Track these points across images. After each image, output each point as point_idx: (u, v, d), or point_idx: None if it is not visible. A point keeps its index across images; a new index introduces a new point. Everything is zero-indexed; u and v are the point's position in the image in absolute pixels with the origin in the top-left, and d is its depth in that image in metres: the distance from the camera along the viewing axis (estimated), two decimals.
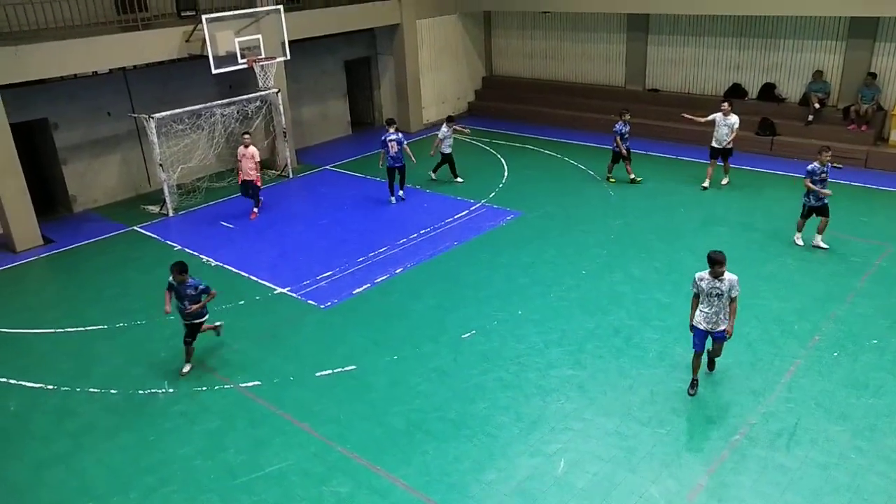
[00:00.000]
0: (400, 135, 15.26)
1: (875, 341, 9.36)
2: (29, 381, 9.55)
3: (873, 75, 16.66)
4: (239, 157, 14.82)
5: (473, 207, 15.06)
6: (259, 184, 15.09)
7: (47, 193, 16.16)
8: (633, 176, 15.98)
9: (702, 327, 8.30)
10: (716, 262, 8.05)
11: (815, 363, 8.97)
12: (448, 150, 16.33)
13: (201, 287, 9.16)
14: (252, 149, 14.66)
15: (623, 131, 15.61)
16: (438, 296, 11.27)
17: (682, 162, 17.41)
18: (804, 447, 7.50)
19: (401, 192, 15.77)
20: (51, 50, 13.65)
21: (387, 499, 7.13)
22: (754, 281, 11.16)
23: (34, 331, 10.93)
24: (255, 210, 15.25)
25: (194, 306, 9.16)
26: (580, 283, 11.43)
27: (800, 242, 12.46)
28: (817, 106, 17.26)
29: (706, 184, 15.36)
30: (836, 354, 9.12)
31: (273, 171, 18.25)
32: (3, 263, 13.51)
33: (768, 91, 18.52)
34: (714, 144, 15.24)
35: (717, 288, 8.13)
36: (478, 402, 8.57)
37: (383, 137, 15.03)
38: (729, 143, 14.99)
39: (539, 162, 18.02)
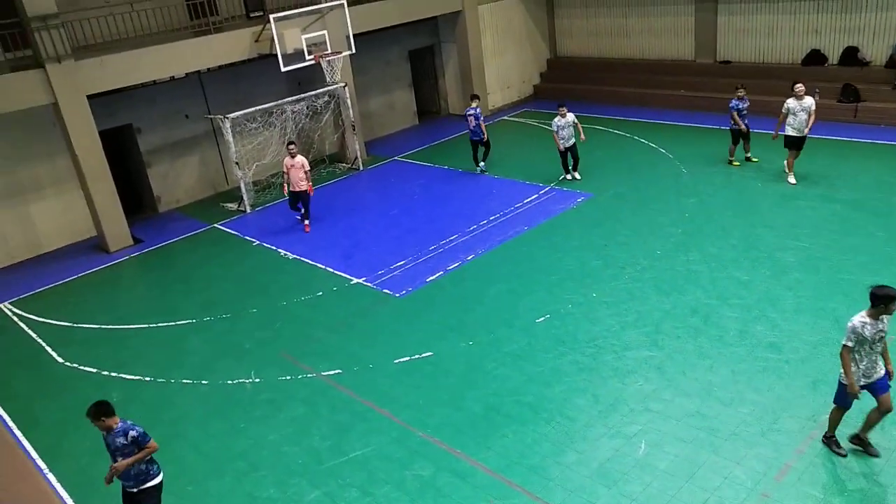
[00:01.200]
0: (478, 110, 16.07)
1: None
2: (128, 374, 10.15)
3: None
4: (286, 169, 14.01)
5: (543, 191, 15.00)
6: (311, 193, 14.31)
7: (134, 195, 17.01)
8: (748, 155, 15.07)
9: (861, 383, 6.65)
10: (890, 299, 6.27)
11: None
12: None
13: (134, 433, 6.24)
14: (300, 158, 13.99)
15: (740, 107, 14.50)
16: (511, 281, 11.32)
17: (756, 135, 16.77)
18: None
19: (482, 164, 16.60)
20: (131, 58, 14.34)
21: (468, 481, 7.27)
22: (839, 254, 10.73)
23: (130, 326, 11.58)
24: (307, 222, 14.52)
25: (125, 462, 6.26)
26: (654, 263, 11.25)
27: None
28: None
29: (792, 179, 13.60)
30: None
31: (343, 164, 18.63)
32: (99, 263, 14.33)
33: (851, 55, 17.62)
34: (791, 133, 13.38)
35: (881, 331, 6.45)
36: (554, 386, 8.59)
37: (465, 112, 16.27)
38: (808, 129, 13.20)
39: (608, 142, 17.75)
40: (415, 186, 16.42)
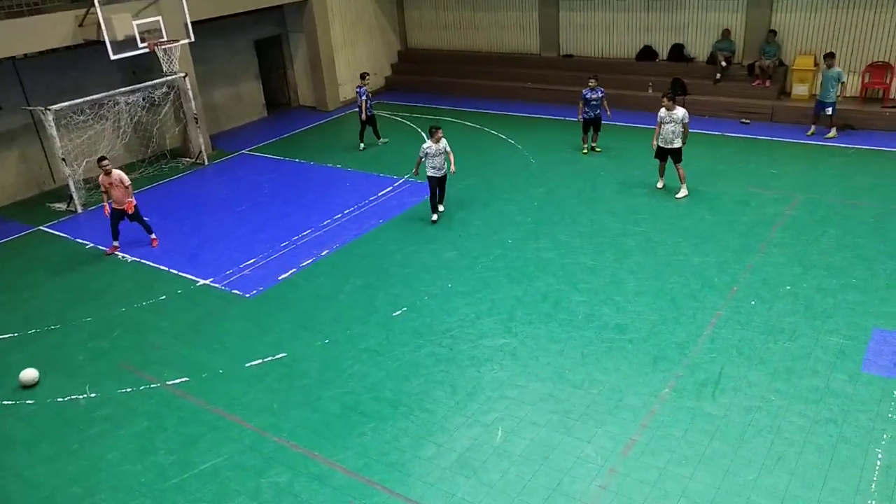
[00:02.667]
0: (362, 88, 16.65)
1: (788, 287, 9.80)
2: None
3: (774, 32, 17.26)
4: (104, 188, 12.10)
5: (397, 183, 14.91)
6: (134, 209, 12.34)
7: None
8: (594, 144, 15.77)
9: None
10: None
11: (735, 313, 9.32)
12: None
13: None
14: (117, 173, 12.02)
15: (588, 96, 14.94)
16: (366, 275, 11.14)
17: (603, 125, 17.64)
18: (728, 394, 7.80)
19: (361, 145, 17.34)
20: None
21: (326, 484, 7.04)
22: (674, 238, 11.49)
23: None
24: (154, 237, 12.89)
25: None
26: (506, 252, 11.50)
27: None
28: (724, 64, 17.80)
29: (661, 184, 13.50)
30: (753, 303, 9.50)
31: (187, 159, 17.58)
32: None
33: (678, 51, 18.97)
34: (659, 143, 13.06)
35: None
36: (412, 379, 8.53)
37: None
38: (674, 141, 12.80)
39: (459, 134, 17.95)
40: (265, 181, 15.79)
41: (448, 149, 12.40)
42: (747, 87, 17.63)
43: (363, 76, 17.15)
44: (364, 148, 17.28)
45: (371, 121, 17.10)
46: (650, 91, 18.67)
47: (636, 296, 9.92)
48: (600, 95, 15.09)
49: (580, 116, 15.36)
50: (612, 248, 11.35)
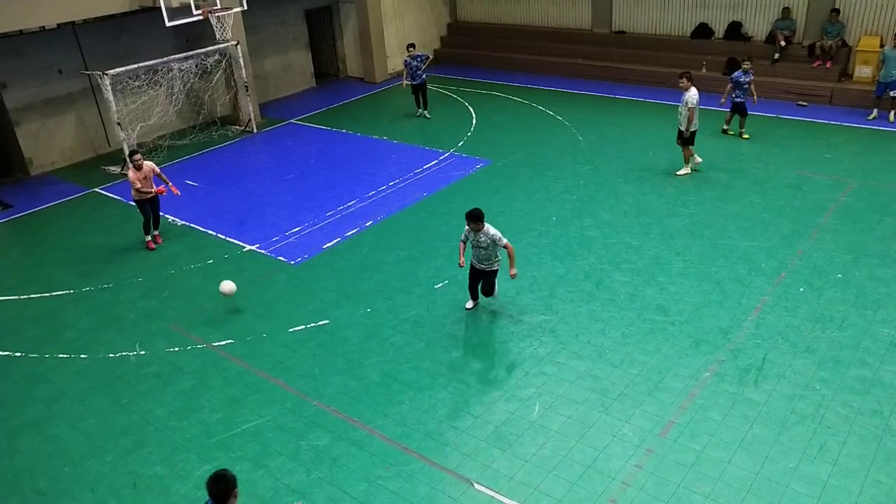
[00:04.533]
0: (407, 58, 16.89)
1: (839, 275, 9.55)
2: None
3: (837, 11, 16.62)
4: (138, 184, 11.33)
5: (442, 157, 14.91)
6: (177, 192, 12.05)
7: (1, 157, 15.63)
8: (742, 130, 14.70)
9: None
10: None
11: (782, 299, 9.13)
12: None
13: None
14: (149, 164, 11.54)
15: (741, 80, 14.05)
16: (409, 247, 11.21)
17: (649, 104, 17.34)
18: (771, 381, 7.68)
19: (424, 111, 17.49)
20: None
21: (364, 449, 7.19)
22: (722, 221, 11.28)
23: None
24: (157, 233, 12.04)
25: None
26: (550, 229, 11.44)
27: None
28: (783, 43, 17.23)
29: (685, 170, 13.12)
30: (802, 290, 9.30)
31: (236, 127, 17.84)
32: None
33: (735, 30, 18.42)
34: (679, 126, 12.89)
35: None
36: (452, 351, 8.61)
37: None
38: (689, 123, 12.56)
39: (507, 109, 17.83)
40: (312, 150, 15.95)
41: (499, 239, 8.57)
42: (807, 68, 17.05)
43: (408, 47, 17.15)
44: (420, 114, 17.52)
45: (416, 89, 17.20)
46: (704, 70, 18.22)
47: (680, 278, 9.79)
48: (751, 79, 14.14)
49: (724, 99, 14.57)
50: (658, 228, 11.20)
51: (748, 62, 14.25)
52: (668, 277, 9.82)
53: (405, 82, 17.09)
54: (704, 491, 6.35)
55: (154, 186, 11.67)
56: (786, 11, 17.37)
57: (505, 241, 8.58)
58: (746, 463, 6.64)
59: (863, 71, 16.49)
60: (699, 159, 13.28)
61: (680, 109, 12.74)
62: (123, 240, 12.26)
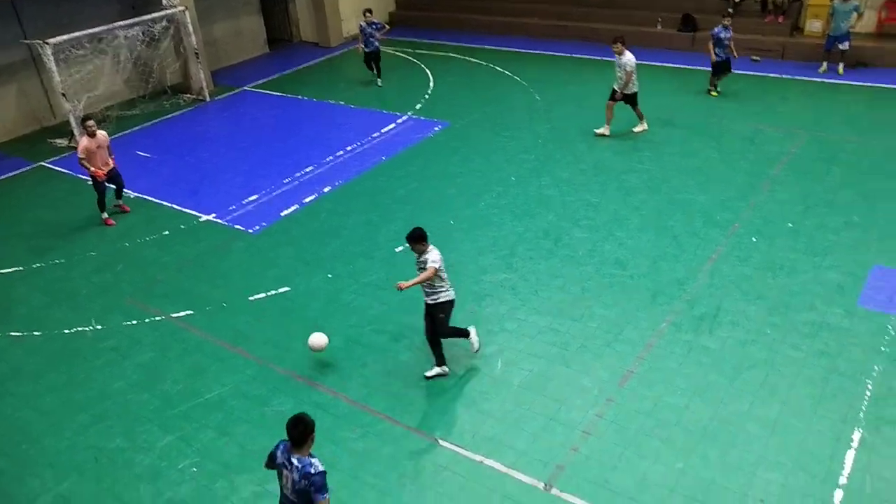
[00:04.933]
0: (363, 23, 16.45)
1: (790, 225, 9.78)
2: None
3: None
4: (85, 154, 10.87)
5: (400, 120, 14.76)
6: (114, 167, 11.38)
7: None
8: (714, 87, 14.50)
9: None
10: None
11: (735, 249, 9.33)
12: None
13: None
14: (102, 134, 11.21)
15: (721, 36, 13.86)
16: (369, 212, 11.14)
17: (606, 63, 17.31)
18: (725, 328, 7.88)
19: (377, 79, 17.01)
20: None
21: (329, 412, 7.21)
22: (680, 176, 11.42)
23: None
24: (122, 202, 11.77)
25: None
26: (509, 189, 11.46)
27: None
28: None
29: (604, 130, 13.04)
30: (754, 240, 9.50)
31: (188, 96, 17.39)
32: None
33: None
34: (614, 86, 12.81)
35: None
36: (413, 313, 8.59)
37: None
38: (625, 86, 12.45)
39: (463, 70, 17.69)
40: (267, 117, 15.65)
41: (427, 260, 7.28)
42: (760, 22, 17.21)
43: (364, 13, 16.69)
44: (381, 84, 16.98)
45: (369, 57, 16.79)
46: (659, 28, 18.26)
47: (638, 232, 9.92)
48: (730, 35, 13.91)
49: (713, 57, 14.28)
50: (616, 185, 11.30)
51: (728, 17, 13.96)
52: (626, 232, 9.94)
53: (360, 47, 16.74)
54: (662, 436, 6.53)
55: (110, 160, 11.27)
56: None
57: (431, 264, 7.09)
58: (702, 408, 6.83)
59: (814, 25, 16.71)
60: (645, 126, 13.25)
61: (618, 73, 12.57)
62: (74, 214, 11.94)
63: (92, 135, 10.96)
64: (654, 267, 9.13)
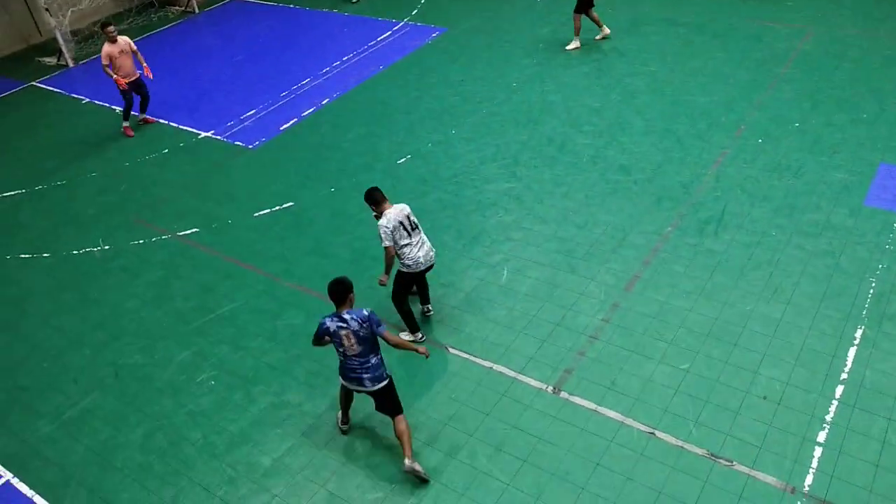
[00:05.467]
0: None
1: (797, 124, 9.65)
2: None
3: None
4: (108, 60, 10.76)
5: (396, 27, 14.32)
6: (151, 76, 11.51)
7: None
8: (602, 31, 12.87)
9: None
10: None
11: (741, 151, 9.25)
12: None
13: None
14: (124, 39, 11.03)
15: None
16: (369, 123, 10.99)
17: None
18: (730, 231, 7.91)
19: None
20: None
21: None
22: (683, 77, 11.18)
23: None
24: (146, 115, 11.79)
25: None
26: (511, 96, 11.25)
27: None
28: None
29: (575, 44, 12.44)
30: (760, 141, 9.40)
31: (176, 8, 16.81)
32: None
33: None
34: None
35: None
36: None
37: None
38: None
39: None
40: (259, 29, 15.18)
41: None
42: None
43: None
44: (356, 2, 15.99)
45: None
46: None
47: (642, 136, 9.81)
48: None
49: None
50: (619, 88, 11.08)
51: None
52: (630, 137, 9.83)
53: None
54: (668, 337, 6.68)
55: (136, 68, 11.13)
56: None
57: (383, 241, 6.54)
58: (707, 309, 6.95)
59: None
60: (607, 30, 12.68)
61: None
62: (71, 134, 11.80)
63: (113, 40, 10.82)
64: (659, 171, 9.08)
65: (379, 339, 5.61)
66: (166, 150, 10.96)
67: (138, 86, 11.28)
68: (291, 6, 16.17)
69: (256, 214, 9.24)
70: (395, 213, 6.58)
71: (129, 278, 8.41)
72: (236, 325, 7.54)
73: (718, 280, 7.28)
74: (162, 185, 10.11)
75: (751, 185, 8.58)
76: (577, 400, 6.20)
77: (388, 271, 6.70)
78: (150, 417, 6.58)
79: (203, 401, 6.69)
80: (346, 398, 6.02)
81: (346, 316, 5.49)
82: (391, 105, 11.42)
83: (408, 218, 6.61)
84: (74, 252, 8.97)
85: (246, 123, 11.45)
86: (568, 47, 12.53)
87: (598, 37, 12.69)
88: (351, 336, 5.48)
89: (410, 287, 6.93)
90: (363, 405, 6.17)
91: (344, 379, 5.78)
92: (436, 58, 12.81)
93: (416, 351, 5.76)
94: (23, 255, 9.02)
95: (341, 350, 5.60)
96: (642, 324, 6.88)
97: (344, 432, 6.20)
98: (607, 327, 6.90)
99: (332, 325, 5.54)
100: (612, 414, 6.03)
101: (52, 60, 14.60)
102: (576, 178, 9.14)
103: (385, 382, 5.72)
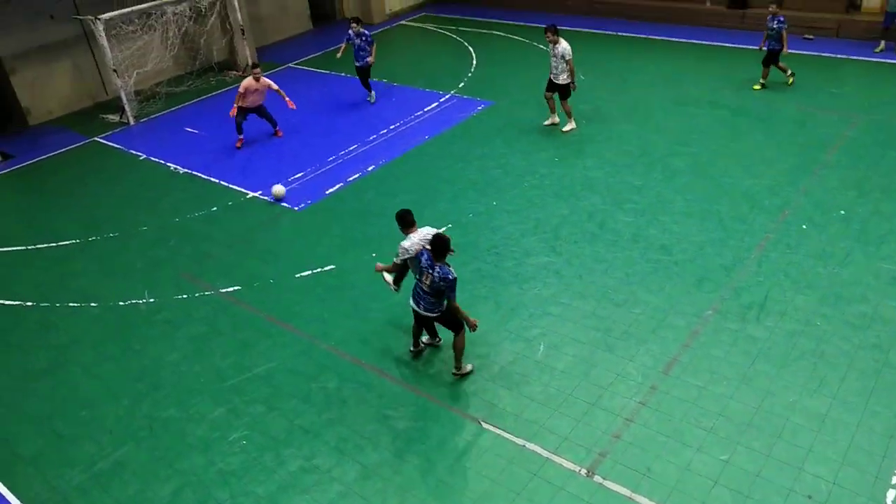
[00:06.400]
0: (350, 32, 14.31)
1: (842, 212, 9.56)
2: (5, 299, 9.50)
3: None
4: (243, 90, 12.68)
5: (443, 99, 14.74)
6: (292, 106, 13.35)
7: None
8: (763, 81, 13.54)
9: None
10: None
11: (785, 236, 9.17)
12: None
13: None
14: (266, 80, 12.91)
15: (768, 25, 12.97)
16: (413, 191, 11.21)
17: (650, 41, 17.04)
18: (773, 318, 7.79)
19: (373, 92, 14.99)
20: None
21: (374, 391, 7.35)
22: (725, 159, 11.22)
23: (5, 249, 10.76)
24: (279, 129, 13.74)
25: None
26: (553, 170, 11.40)
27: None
28: None
29: (550, 121, 12.78)
30: (804, 227, 9.32)
31: (234, 72, 17.59)
32: None
33: None
34: (550, 76, 12.28)
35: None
36: (457, 294, 8.67)
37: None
38: (566, 78, 11.92)
39: (507, 48, 17.53)
40: (311, 94, 15.76)
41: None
42: None
43: (351, 22, 14.43)
44: (373, 101, 14.98)
45: (359, 72, 14.61)
46: (708, 4, 17.82)
47: (683, 217, 9.81)
48: (776, 26, 12.95)
49: (762, 45, 13.48)
50: (661, 167, 11.16)
51: (774, 4, 13.03)
52: (671, 217, 9.84)
53: (340, 52, 14.80)
54: (706, 425, 6.52)
55: (260, 100, 13.09)
56: None
57: (398, 258, 7.35)
58: (748, 398, 6.79)
59: (871, 1, 16.13)
60: (556, 119, 12.73)
61: (554, 63, 11.99)
62: (126, 189, 12.27)
63: (256, 79, 12.79)
64: (700, 253, 9.04)
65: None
66: (215, 208, 11.30)
67: (261, 111, 13.23)
68: (343, 74, 16.79)
69: (298, 275, 9.40)
70: (418, 237, 7.24)
71: (171, 331, 8.57)
72: (272, 384, 7.59)
73: (760, 368, 7.13)
74: (209, 241, 10.39)
75: (795, 272, 8.48)
76: (611, 485, 6.05)
77: (384, 270, 7.70)
78: (179, 473, 6.60)
79: (233, 460, 6.69)
80: (415, 323, 7.41)
81: (437, 266, 6.68)
82: (435, 174, 11.66)
83: (430, 242, 7.05)
84: (121, 303, 9.20)
85: (293, 185, 11.77)
86: (545, 122, 12.84)
87: (546, 122, 12.78)
88: (429, 278, 6.74)
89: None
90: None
91: (412, 298, 7.12)
92: (481, 130, 13.10)
93: (467, 321, 6.94)
94: (71, 304, 9.28)
95: (417, 277, 6.95)
96: (680, 409, 6.74)
97: (412, 354, 7.70)
98: (644, 410, 6.78)
99: (424, 261, 6.80)
100: (647, 503, 5.85)
101: (114, 118, 15.31)
102: (616, 255, 9.14)
103: (434, 315, 7.03)
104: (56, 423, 7.35)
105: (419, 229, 7.31)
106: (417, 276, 6.91)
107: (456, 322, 7.05)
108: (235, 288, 9.28)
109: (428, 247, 6.96)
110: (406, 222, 7.28)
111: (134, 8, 14.93)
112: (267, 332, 8.39)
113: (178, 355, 8.16)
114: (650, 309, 8.12)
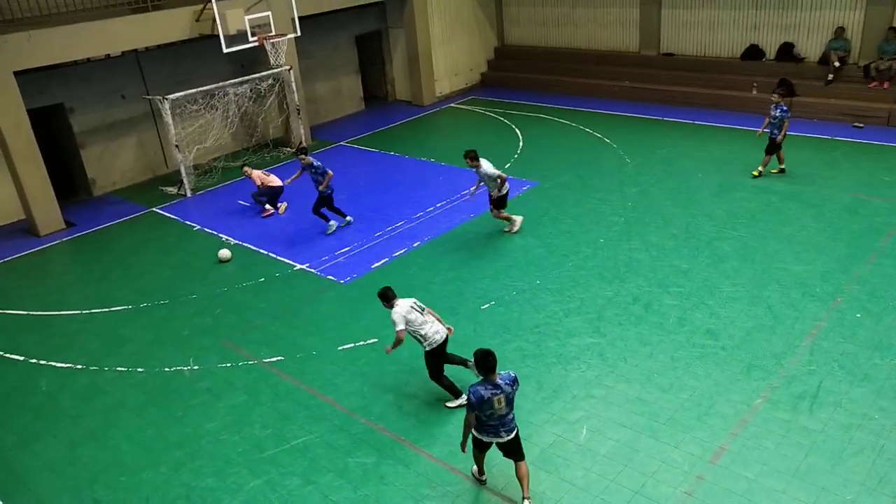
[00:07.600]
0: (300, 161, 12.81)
1: None
2: (58, 362, 9.75)
3: (894, 30, 16.27)
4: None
5: None
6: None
7: (67, 177, 16.31)
8: (761, 169, 13.61)
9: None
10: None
11: (838, 325, 8.91)
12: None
13: None
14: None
15: (776, 114, 13.06)
16: (456, 268, 11.30)
17: (697, 126, 17.20)
18: (827, 409, 7.48)
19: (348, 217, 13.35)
20: (63, 34, 13.69)
21: (411, 468, 7.24)
22: (774, 245, 11.08)
23: (60, 313, 11.13)
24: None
25: None
26: (597, 251, 11.40)
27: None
28: (837, 64, 16.92)
29: (515, 226, 12.23)
30: (858, 316, 9.06)
31: (288, 149, 18.27)
32: (28, 247, 13.72)
33: (787, 51, 18.16)
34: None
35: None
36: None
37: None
38: (498, 192, 11.80)
39: (554, 131, 17.88)
40: (361, 172, 16.24)
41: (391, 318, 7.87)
42: (862, 88, 16.70)
43: (299, 152, 12.95)
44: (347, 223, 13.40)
45: (322, 199, 12.84)
46: (754, 92, 18.00)
47: (731, 302, 9.64)
48: (778, 115, 13.07)
49: (760, 131, 13.77)
50: (707, 251, 11.06)
51: (777, 94, 13.22)
52: (718, 301, 9.68)
53: (290, 181, 13.56)
54: None
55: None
56: (840, 31, 17.06)
57: (396, 328, 7.69)
58: (801, 493, 6.47)
59: None
60: (518, 219, 12.34)
61: (488, 182, 11.86)
62: (179, 258, 12.66)
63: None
64: (749, 339, 8.82)
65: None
66: (262, 279, 11.55)
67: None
68: (392, 153, 17.29)
69: (341, 348, 9.46)
70: (405, 302, 7.87)
71: (212, 400, 8.64)
72: (309, 457, 7.54)
73: (814, 462, 6.82)
74: (254, 311, 10.57)
75: (849, 362, 8.19)
76: None
77: (395, 346, 7.80)
78: None
79: None
80: (480, 452, 6.72)
81: (499, 381, 6.24)
82: (478, 252, 11.76)
83: (416, 303, 7.92)
84: (166, 369, 9.36)
85: (339, 259, 11.99)
86: (510, 229, 12.22)
87: (506, 229, 12.36)
88: (503, 399, 6.24)
89: (440, 362, 7.97)
90: None
91: (480, 433, 6.47)
92: (525, 209, 13.22)
93: (463, 441, 6.58)
94: (119, 368, 9.47)
95: (489, 413, 6.24)
96: (729, 501, 6.45)
97: (483, 482, 6.95)
98: (690, 501, 6.50)
99: (486, 393, 6.18)
100: None
101: (172, 190, 15.97)
102: (661, 338, 8.98)
103: (515, 431, 6.46)
104: (96, 488, 7.39)
105: (402, 299, 7.91)
106: (488, 412, 6.24)
107: (521, 448, 6.59)
108: (278, 358, 9.37)
109: (472, 367, 7.22)
110: (387, 297, 7.91)
111: (200, 89, 15.77)
112: (306, 404, 8.39)
113: (219, 424, 8.20)
114: (697, 395, 7.90)
